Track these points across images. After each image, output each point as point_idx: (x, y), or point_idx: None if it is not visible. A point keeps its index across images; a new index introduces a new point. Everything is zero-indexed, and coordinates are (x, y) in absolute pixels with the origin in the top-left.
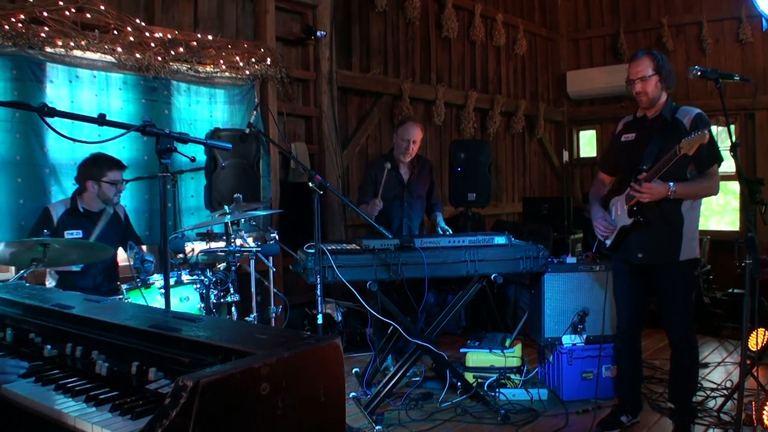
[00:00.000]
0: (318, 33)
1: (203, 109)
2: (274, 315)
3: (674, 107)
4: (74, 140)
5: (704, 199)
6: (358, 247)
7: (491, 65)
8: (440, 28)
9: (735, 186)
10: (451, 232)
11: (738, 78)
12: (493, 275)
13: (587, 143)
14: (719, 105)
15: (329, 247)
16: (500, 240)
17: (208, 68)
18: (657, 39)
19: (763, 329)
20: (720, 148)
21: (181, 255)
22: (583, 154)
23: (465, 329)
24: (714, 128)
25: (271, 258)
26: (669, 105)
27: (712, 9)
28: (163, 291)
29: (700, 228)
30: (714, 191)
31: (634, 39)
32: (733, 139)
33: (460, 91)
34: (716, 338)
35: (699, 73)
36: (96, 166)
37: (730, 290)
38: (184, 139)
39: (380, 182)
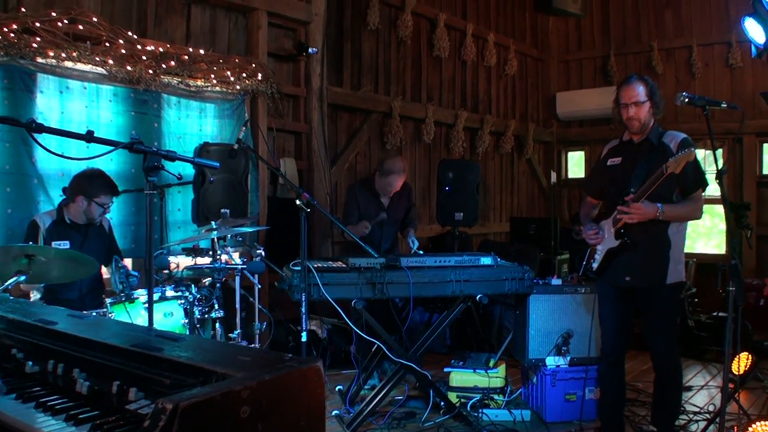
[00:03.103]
0: (310, 49)
1: (193, 123)
2: (258, 331)
3: (660, 132)
4: (62, 156)
5: (691, 222)
6: (344, 265)
7: (482, 85)
8: (432, 47)
9: (722, 209)
10: (417, 244)
11: (725, 105)
12: (479, 296)
13: (576, 164)
14: (707, 129)
15: (315, 265)
16: (486, 260)
17: (199, 82)
18: (647, 62)
19: (747, 353)
20: (707, 173)
21: (166, 271)
22: (571, 175)
23: (449, 348)
24: (701, 152)
25: (256, 274)
26: (655, 129)
27: (702, 33)
28: (147, 306)
29: (687, 251)
30: (698, 215)
31: (624, 62)
32: (719, 165)
33: (450, 110)
34: (700, 361)
35: (686, 100)
36: (92, 184)
37: (715, 313)
38: (172, 156)
39: (363, 206)
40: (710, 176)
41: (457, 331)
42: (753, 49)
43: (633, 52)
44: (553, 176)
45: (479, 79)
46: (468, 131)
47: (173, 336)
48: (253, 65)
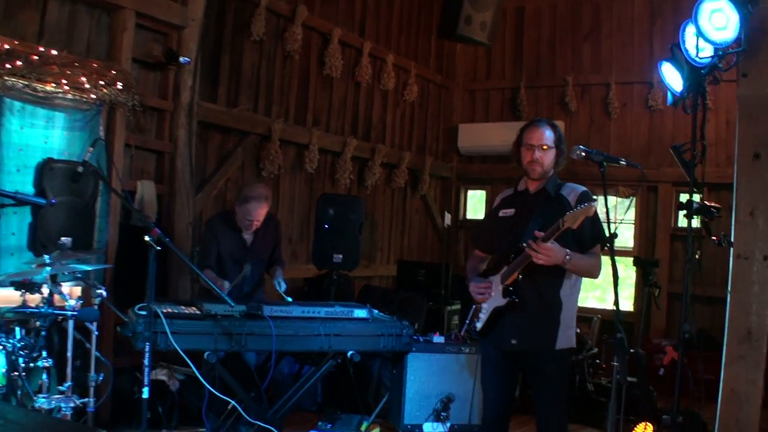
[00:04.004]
0: (181, 58)
1: (38, 134)
2: (93, 383)
3: (559, 183)
4: None
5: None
6: (198, 312)
7: (376, 110)
8: (322, 65)
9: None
10: (285, 287)
11: (624, 163)
12: (350, 353)
13: (476, 203)
14: (620, 174)
15: (164, 310)
16: (361, 313)
17: (49, 87)
18: (560, 98)
19: (648, 423)
20: (614, 221)
21: None
22: (470, 216)
23: (320, 406)
24: (613, 199)
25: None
26: (554, 180)
27: (621, 71)
28: None
29: (591, 306)
30: (597, 272)
31: (535, 96)
32: (612, 228)
33: (338, 136)
34: (599, 429)
35: (583, 154)
36: None
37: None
38: None
39: (223, 244)
40: (622, 225)
41: (330, 386)
42: (669, 96)
43: (545, 86)
44: (447, 218)
45: (374, 104)
46: (357, 161)
47: None
48: (114, 72)
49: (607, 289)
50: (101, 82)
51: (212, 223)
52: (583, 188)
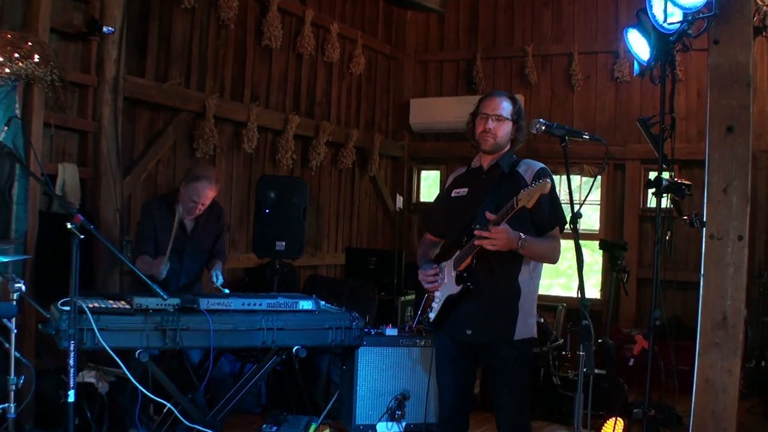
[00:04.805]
0: (105, 28)
1: None
2: (13, 387)
3: (515, 159)
4: None
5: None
6: (128, 306)
7: (320, 84)
8: (261, 34)
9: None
10: (222, 280)
11: (587, 137)
12: (295, 348)
13: (431, 185)
14: (585, 151)
15: (91, 304)
16: (306, 305)
17: None
18: (519, 69)
19: (618, 418)
20: (578, 202)
21: None
22: (424, 198)
23: (265, 407)
24: (577, 178)
25: (12, 318)
26: (509, 156)
27: (585, 40)
28: None
29: (556, 294)
30: (556, 257)
31: (493, 67)
32: (575, 208)
33: (279, 113)
34: (566, 426)
35: (543, 128)
36: None
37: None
38: None
39: (160, 229)
40: (586, 207)
41: (275, 385)
42: (636, 65)
43: (503, 57)
44: (399, 201)
45: (317, 78)
46: (300, 140)
47: None
48: (30, 43)
49: (573, 276)
50: (16, 55)
51: (149, 207)
52: (541, 165)
